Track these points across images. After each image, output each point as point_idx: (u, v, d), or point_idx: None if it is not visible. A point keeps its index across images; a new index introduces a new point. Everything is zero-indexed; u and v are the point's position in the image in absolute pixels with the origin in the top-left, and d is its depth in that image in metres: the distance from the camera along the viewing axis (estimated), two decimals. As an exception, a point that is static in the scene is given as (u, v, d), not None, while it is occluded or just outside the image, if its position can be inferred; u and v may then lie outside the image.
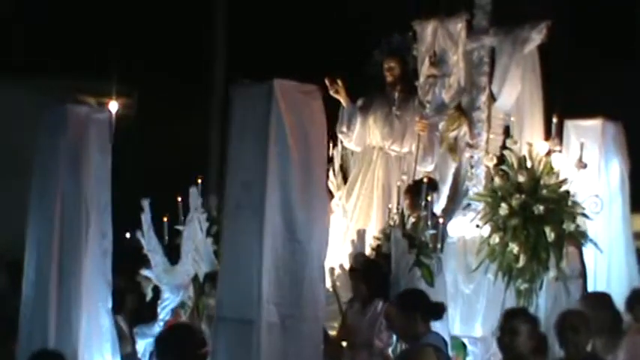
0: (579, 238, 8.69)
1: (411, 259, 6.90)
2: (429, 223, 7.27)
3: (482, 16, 9.78)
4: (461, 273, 9.06)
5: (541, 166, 8.53)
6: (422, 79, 8.78)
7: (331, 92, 8.69)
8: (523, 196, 8.40)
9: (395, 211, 7.57)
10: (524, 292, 8.38)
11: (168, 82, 13.67)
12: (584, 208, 8.47)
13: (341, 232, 8.56)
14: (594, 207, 8.70)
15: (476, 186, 9.11)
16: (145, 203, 7.50)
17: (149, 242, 7.48)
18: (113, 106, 13.37)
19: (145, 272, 7.48)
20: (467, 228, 8.85)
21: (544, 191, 8.42)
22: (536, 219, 8.33)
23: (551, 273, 8.33)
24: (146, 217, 7.50)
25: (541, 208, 8.32)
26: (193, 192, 7.96)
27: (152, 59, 13.80)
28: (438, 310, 6.24)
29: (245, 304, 5.86)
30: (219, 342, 6.03)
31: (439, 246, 7.21)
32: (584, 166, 8.65)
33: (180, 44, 13.75)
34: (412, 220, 7.51)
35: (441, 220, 7.45)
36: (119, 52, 13.46)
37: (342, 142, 8.82)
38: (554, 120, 9.04)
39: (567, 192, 8.47)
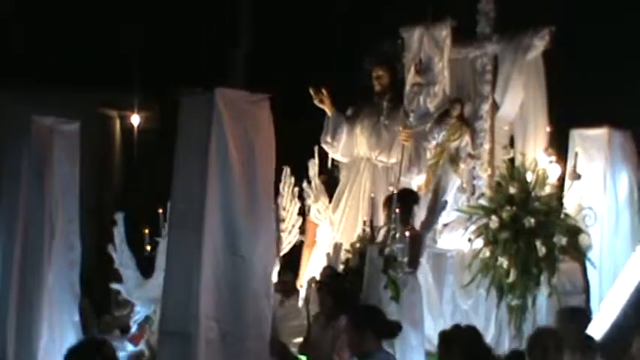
0: (578, 252, 8.34)
1: (385, 279, 6.67)
2: (397, 236, 7.02)
3: (486, 23, 9.51)
4: (459, 288, 8.79)
5: (534, 178, 8.18)
6: (407, 87, 8.53)
7: (316, 102, 8.50)
8: (514, 208, 8.08)
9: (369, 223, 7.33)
10: (515, 308, 8.04)
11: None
12: (576, 221, 8.09)
13: (328, 244, 8.34)
14: (588, 220, 8.32)
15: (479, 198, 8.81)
16: (119, 217, 7.43)
17: (120, 256, 7.40)
18: (135, 118, 13.46)
19: (115, 286, 7.40)
20: (464, 242, 8.56)
21: (536, 204, 8.08)
22: (527, 232, 8.00)
23: (543, 289, 7.97)
24: (119, 231, 7.43)
25: (532, 220, 7.97)
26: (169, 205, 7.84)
27: (174, 72, 13.77)
28: (392, 329, 6.02)
29: (186, 318, 5.73)
30: (162, 356, 5.91)
31: (406, 260, 6.95)
32: (578, 177, 8.28)
33: (203, 57, 13.70)
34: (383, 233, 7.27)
35: (405, 234, 7.14)
36: (141, 64, 13.48)
37: (318, 153, 8.58)
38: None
39: (560, 204, 8.11)
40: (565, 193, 8.17)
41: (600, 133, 9.17)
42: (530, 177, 8.36)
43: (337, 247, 7.35)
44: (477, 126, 9.42)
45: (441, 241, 9.15)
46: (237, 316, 5.79)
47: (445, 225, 9.10)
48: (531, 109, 9.37)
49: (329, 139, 8.53)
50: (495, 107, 9.45)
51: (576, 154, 8.40)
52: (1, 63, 11.96)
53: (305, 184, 8.43)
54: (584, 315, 7.10)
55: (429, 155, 9.38)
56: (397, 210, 6.98)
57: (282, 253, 8.03)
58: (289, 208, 8.21)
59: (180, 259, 5.84)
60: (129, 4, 13.32)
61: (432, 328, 8.33)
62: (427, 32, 8.48)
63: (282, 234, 8.12)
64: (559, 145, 9.30)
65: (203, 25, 13.48)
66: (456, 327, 6.01)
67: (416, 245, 7.33)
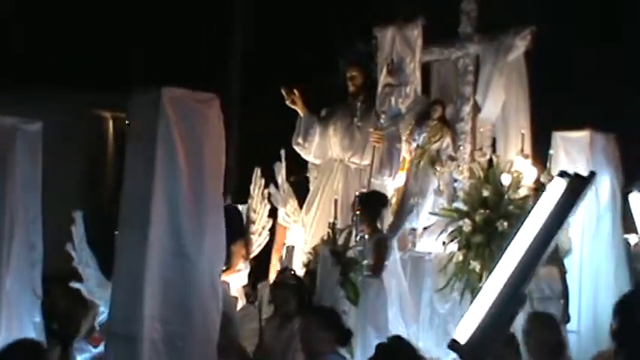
0: (555, 256, 8.19)
1: (337, 278, 6.55)
2: (357, 239, 6.92)
3: (467, 23, 9.40)
4: (436, 292, 8.67)
5: (510, 180, 8.04)
6: (379, 88, 8.41)
7: (287, 102, 8.39)
8: (487, 211, 7.95)
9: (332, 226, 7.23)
10: (488, 312, 7.88)
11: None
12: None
13: (300, 246, 8.25)
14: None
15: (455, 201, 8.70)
16: (78, 215, 7.36)
17: (80, 255, 7.32)
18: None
19: (75, 285, 7.32)
20: (441, 246, 8.45)
21: (510, 207, 7.94)
22: (499, 236, 7.86)
23: (517, 294, 7.81)
24: (78, 230, 7.35)
25: (505, 224, 7.84)
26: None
27: (169, 73, 13.69)
28: (344, 337, 5.90)
29: (132, 320, 5.65)
30: (108, 358, 5.84)
31: (365, 262, 6.83)
32: (552, 179, 8.09)
33: (198, 58, 13.66)
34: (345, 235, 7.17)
35: (365, 236, 7.03)
36: (136, 65, 13.45)
37: (286, 156, 8.46)
38: (523, 131, 8.54)
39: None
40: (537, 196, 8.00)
41: (582, 135, 9.00)
42: (507, 180, 8.25)
43: (289, 250, 7.26)
44: (458, 128, 9.31)
45: (420, 245, 9.05)
46: (184, 318, 5.69)
47: (425, 228, 9.00)
48: (513, 111, 9.25)
49: (300, 141, 8.41)
50: (477, 109, 9.33)
51: (550, 155, 8.25)
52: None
53: (272, 188, 8.30)
54: (554, 322, 6.95)
55: (409, 157, 9.31)
56: (357, 212, 6.85)
57: (252, 256, 7.94)
58: (259, 210, 8.12)
59: (127, 258, 5.77)
60: (126, 4, 13.29)
61: (405, 333, 8.23)
62: (399, 32, 8.36)
63: (252, 236, 8.04)
64: (541, 148, 9.18)
65: (202, 25, 13.43)
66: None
67: (380, 249, 7.22)
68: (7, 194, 6.90)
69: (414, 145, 9.28)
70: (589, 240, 8.81)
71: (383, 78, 8.31)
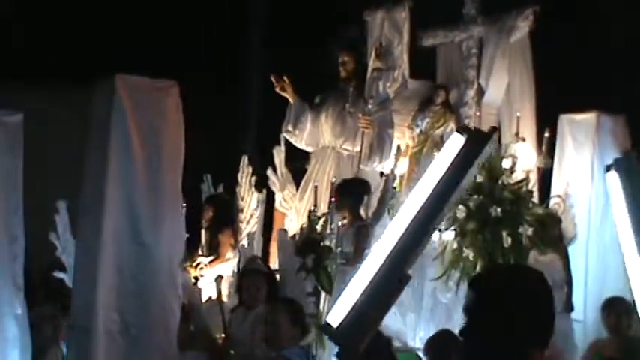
0: (551, 243, 7.92)
1: (297, 264, 6.39)
2: (332, 227, 6.75)
3: (472, 5, 9.14)
4: (439, 282, 8.45)
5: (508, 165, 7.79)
6: (369, 72, 8.21)
7: (277, 89, 8.25)
8: (481, 197, 7.71)
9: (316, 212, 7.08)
10: (483, 301, 7.65)
11: (203, 89, 13.50)
12: (544, 210, 7.67)
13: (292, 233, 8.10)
14: (558, 209, 7.88)
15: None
16: (62, 205, 7.35)
17: (64, 244, 7.31)
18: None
19: (59, 274, 7.31)
20: (449, 234, 8.23)
21: (505, 193, 7.69)
22: (493, 222, 7.62)
23: (510, 281, 7.56)
24: (62, 219, 7.34)
25: (498, 210, 7.60)
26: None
27: (187, 65, 13.62)
28: (306, 332, 5.76)
29: (87, 310, 5.60)
30: (69, 351, 5.81)
31: (339, 250, 6.67)
32: (548, 163, 7.85)
33: (216, 51, 13.53)
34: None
35: (339, 224, 6.86)
36: (153, 58, 13.41)
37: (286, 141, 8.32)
38: (518, 114, 8.26)
39: (530, 192, 7.70)
40: (534, 181, 7.76)
41: (588, 117, 8.71)
42: (508, 164, 8.01)
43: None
44: (462, 112, 9.06)
45: (447, 234, 8.80)
46: (142, 308, 5.63)
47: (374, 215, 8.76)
48: (517, 94, 8.96)
49: (290, 128, 8.25)
50: (481, 93, 9.07)
51: (548, 138, 7.99)
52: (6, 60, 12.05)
53: (270, 172, 8.16)
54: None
55: (412, 143, 9.11)
56: (333, 199, 6.70)
57: (240, 244, 7.83)
58: (247, 198, 8.01)
59: (83, 248, 5.73)
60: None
61: (401, 323, 8.07)
62: (388, 15, 8.15)
63: (240, 225, 7.94)
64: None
65: (215, 15, 13.35)
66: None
67: (360, 237, 7.04)
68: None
69: (417, 131, 9.07)
70: (596, 226, 8.51)
71: (372, 62, 8.11)
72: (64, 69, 12.62)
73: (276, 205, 8.47)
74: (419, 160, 8.97)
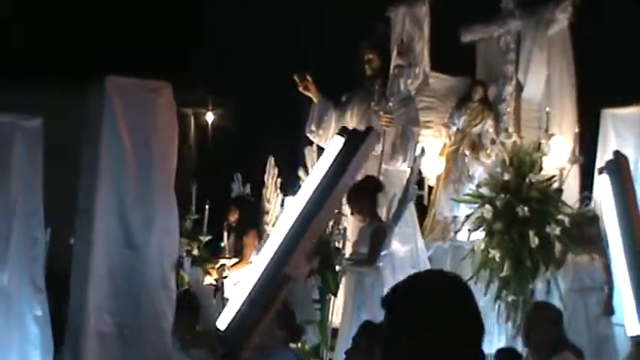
0: (596, 243, 7.57)
1: (308, 268, 6.27)
2: (339, 228, 6.61)
3: (509, -2, 8.86)
4: (471, 285, 8.19)
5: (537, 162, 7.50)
6: (391, 70, 8.01)
7: (300, 89, 8.12)
8: (508, 196, 7.44)
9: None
10: (511, 304, 7.38)
11: (264, 92, 13.51)
12: (572, 209, 7.34)
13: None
14: (585, 206, 7.54)
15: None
16: None
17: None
18: (209, 116, 13.54)
19: None
20: (473, 235, 7.99)
21: (534, 192, 7.39)
22: (520, 222, 7.34)
23: (539, 284, 7.28)
24: None
25: (525, 209, 7.31)
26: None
27: (249, 69, 13.71)
28: (297, 334, 5.64)
29: (80, 312, 5.61)
30: (66, 352, 5.83)
31: (343, 252, 6.52)
32: (578, 160, 7.51)
33: (278, 55, 13.50)
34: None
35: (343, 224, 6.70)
36: (217, 62, 13.51)
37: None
38: (547, 110, 7.93)
39: (559, 190, 7.38)
40: (563, 178, 7.43)
41: (632, 112, 8.33)
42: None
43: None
44: (500, 109, 8.78)
45: (461, 234, 8.59)
46: (134, 310, 5.60)
47: (468, 216, 8.53)
48: (557, 88, 8.63)
49: (314, 128, 8.11)
50: (520, 88, 8.77)
51: (576, 134, 7.63)
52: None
53: (301, 172, 8.02)
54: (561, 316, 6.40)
55: (449, 142, 8.89)
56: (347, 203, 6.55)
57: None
58: (272, 200, 7.93)
59: (77, 251, 5.74)
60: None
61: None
62: (409, 11, 7.94)
63: (265, 227, 7.87)
64: (590, 126, 8.55)
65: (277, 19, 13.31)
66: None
67: (377, 238, 6.87)
68: (3, 189, 7.01)
69: (454, 129, 8.85)
70: (637, 225, 8.12)
71: (393, 59, 7.92)
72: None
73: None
74: (456, 159, 8.76)
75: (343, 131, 3.26)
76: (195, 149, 13.68)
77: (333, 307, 6.59)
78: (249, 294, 3.12)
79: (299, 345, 5.96)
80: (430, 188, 8.96)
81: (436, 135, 9.06)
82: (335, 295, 6.47)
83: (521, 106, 8.79)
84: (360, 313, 6.74)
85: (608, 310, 7.73)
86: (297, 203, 3.38)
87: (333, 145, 3.40)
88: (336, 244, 6.55)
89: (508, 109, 8.74)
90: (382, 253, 6.91)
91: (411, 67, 7.78)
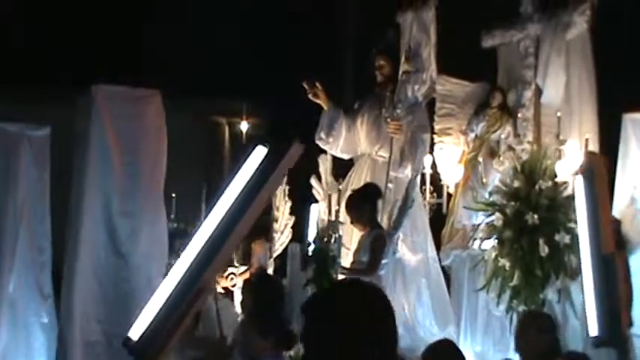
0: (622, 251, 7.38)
1: (304, 277, 6.21)
2: (335, 236, 6.51)
3: (528, 1, 8.67)
4: (490, 294, 8.04)
5: (542, 169, 7.33)
6: (399, 76, 7.88)
7: (310, 96, 8.05)
8: (518, 203, 7.28)
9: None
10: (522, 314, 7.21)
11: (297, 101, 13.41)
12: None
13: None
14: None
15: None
16: None
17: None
18: (243, 125, 13.56)
19: None
20: (484, 244, 7.84)
21: (544, 200, 7.21)
22: (530, 230, 7.17)
23: (549, 293, 7.10)
24: None
25: (535, 217, 7.14)
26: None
27: (283, 79, 13.65)
28: (287, 341, 5.57)
29: (69, 321, 5.64)
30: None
31: (339, 260, 6.42)
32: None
33: (314, 64, 13.46)
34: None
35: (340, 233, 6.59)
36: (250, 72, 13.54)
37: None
38: (558, 114, 7.73)
39: (569, 197, 7.18)
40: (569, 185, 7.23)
41: (651, 116, 8.08)
42: (558, 168, 7.54)
43: (265, 248, 6.96)
44: (519, 115, 8.59)
45: (487, 243, 8.42)
46: (121, 317, 5.60)
47: (479, 225, 8.37)
48: (576, 93, 8.42)
49: (323, 136, 8.00)
50: (539, 93, 8.58)
51: (586, 140, 7.42)
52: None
53: (313, 180, 7.93)
54: (554, 324, 6.24)
55: (467, 149, 8.74)
56: (336, 208, 6.47)
57: (275, 255, 7.71)
58: (282, 208, 7.87)
59: (67, 260, 5.77)
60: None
61: (438, 336, 7.72)
62: (416, 16, 7.81)
63: (274, 235, 7.82)
64: (611, 133, 8.33)
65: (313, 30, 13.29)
66: None
67: (377, 246, 6.77)
68: (10, 197, 7.10)
69: (472, 135, 8.70)
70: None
71: (401, 65, 7.80)
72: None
73: (320, 214, 8.26)
74: (474, 166, 8.61)
75: (265, 141, 3.21)
76: (229, 158, 13.71)
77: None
78: (164, 305, 3.08)
79: (292, 353, 5.89)
80: (449, 196, 8.83)
81: (455, 142, 8.92)
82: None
83: (540, 111, 8.59)
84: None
85: (627, 320, 7.52)
86: (215, 214, 3.33)
87: (255, 155, 3.34)
88: (333, 252, 6.46)
89: (527, 115, 8.55)
90: (383, 261, 6.81)
91: (418, 72, 7.65)
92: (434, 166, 8.82)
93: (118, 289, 5.62)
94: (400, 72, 7.75)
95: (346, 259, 6.96)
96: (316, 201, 8.12)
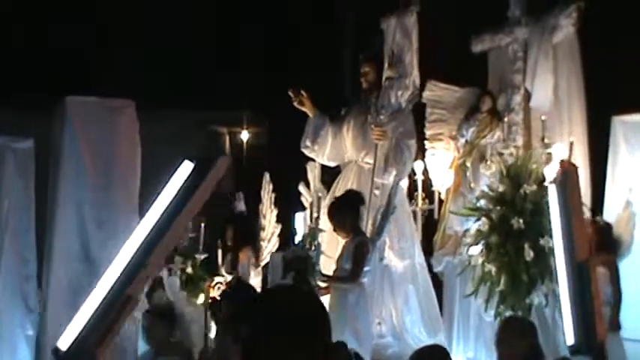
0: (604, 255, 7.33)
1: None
2: (314, 243, 6.48)
3: (516, 5, 8.63)
4: (480, 300, 7.99)
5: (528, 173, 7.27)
6: (383, 82, 7.84)
7: (295, 103, 8.03)
8: (504, 208, 7.22)
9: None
10: (507, 320, 7.14)
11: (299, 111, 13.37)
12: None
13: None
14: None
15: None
16: None
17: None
18: (244, 135, 13.57)
19: None
20: (472, 249, 7.78)
21: (528, 204, 7.16)
22: (515, 234, 7.11)
23: (535, 299, 7.03)
24: None
25: (521, 221, 7.08)
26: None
27: (284, 88, 13.63)
28: None
29: (43, 327, 5.65)
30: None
31: (318, 267, 6.39)
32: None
33: (315, 74, 13.45)
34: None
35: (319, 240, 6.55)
36: (250, 82, 13.54)
37: None
38: (543, 118, 7.68)
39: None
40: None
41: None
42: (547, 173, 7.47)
43: (248, 257, 6.93)
44: (509, 119, 8.54)
45: (474, 249, 8.38)
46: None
47: (466, 230, 8.31)
48: (565, 96, 8.36)
49: (308, 143, 7.97)
50: (528, 98, 8.53)
51: (571, 143, 7.36)
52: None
53: (301, 187, 7.89)
54: (534, 329, 6.19)
55: (457, 154, 8.69)
56: (315, 215, 6.45)
57: (263, 263, 7.70)
58: (268, 216, 7.85)
59: (46, 268, 5.79)
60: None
61: (426, 342, 7.67)
62: (399, 21, 7.77)
63: (262, 243, 7.80)
64: (599, 135, 8.28)
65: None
66: None
67: (359, 253, 6.73)
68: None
69: (462, 141, 8.65)
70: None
71: (385, 71, 7.77)
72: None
73: (307, 221, 8.23)
74: (465, 172, 8.56)
75: (192, 157, 3.24)
76: (230, 168, 13.69)
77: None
78: (92, 316, 3.08)
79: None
80: (441, 202, 8.78)
81: (446, 147, 8.88)
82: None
83: (530, 115, 8.54)
84: (344, 330, 6.62)
85: (613, 325, 7.45)
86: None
87: (182, 170, 3.36)
88: (312, 259, 6.43)
89: (517, 119, 8.50)
90: (366, 268, 6.78)
91: (401, 78, 7.61)
92: (425, 172, 8.79)
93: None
94: (384, 78, 7.71)
95: (328, 267, 6.93)
96: (304, 208, 8.10)
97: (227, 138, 13.70)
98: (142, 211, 6.02)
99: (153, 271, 3.50)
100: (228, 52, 13.86)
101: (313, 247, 6.50)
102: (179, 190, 3.32)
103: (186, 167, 3.40)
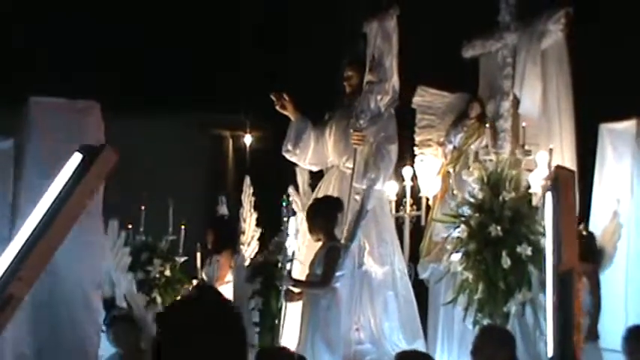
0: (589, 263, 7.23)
1: (251, 290, 6.14)
2: (283, 247, 6.45)
3: (506, 10, 8.55)
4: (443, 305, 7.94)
5: (508, 180, 7.19)
6: (364, 86, 7.76)
7: (277, 107, 7.98)
8: (482, 215, 7.15)
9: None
10: (486, 328, 7.05)
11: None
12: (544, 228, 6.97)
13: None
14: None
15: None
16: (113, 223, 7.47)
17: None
18: (247, 139, 13.54)
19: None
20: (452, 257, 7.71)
21: (507, 212, 7.08)
22: (494, 242, 7.04)
23: (512, 307, 6.95)
24: (112, 237, 7.45)
25: (499, 229, 7.00)
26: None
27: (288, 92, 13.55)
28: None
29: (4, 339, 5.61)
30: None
31: (286, 272, 6.35)
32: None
33: (317, 76, 13.41)
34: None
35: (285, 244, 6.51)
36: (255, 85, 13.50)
37: None
38: (523, 124, 7.60)
39: (533, 209, 7.03)
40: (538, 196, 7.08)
41: (628, 125, 7.92)
42: (531, 180, 7.40)
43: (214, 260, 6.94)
44: (498, 126, 8.45)
45: (455, 256, 8.30)
46: (57, 337, 5.56)
47: (447, 237, 8.23)
48: (554, 102, 8.26)
49: (290, 147, 7.89)
50: (517, 104, 8.43)
51: (550, 150, 7.28)
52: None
53: (291, 191, 7.83)
54: (511, 339, 6.10)
55: (445, 160, 8.62)
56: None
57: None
58: (248, 219, 7.80)
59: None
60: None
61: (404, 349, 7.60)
62: (380, 25, 7.70)
63: (242, 247, 7.76)
64: (589, 142, 8.18)
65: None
66: None
67: (331, 258, 6.68)
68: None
69: (450, 147, 8.59)
70: (637, 245, 7.70)
71: (366, 75, 7.70)
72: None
73: (297, 225, 8.17)
74: (453, 178, 8.48)
75: (82, 148, 3.20)
76: (233, 171, 13.70)
77: (281, 331, 6.43)
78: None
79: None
80: (428, 208, 8.71)
81: (435, 153, 8.81)
82: (276, 316, 6.32)
83: (519, 122, 8.44)
84: (315, 335, 6.58)
85: (592, 335, 7.36)
86: (29, 223, 3.32)
87: (71, 162, 3.33)
88: (280, 264, 6.40)
89: (505, 126, 8.41)
90: (338, 273, 6.73)
91: (381, 83, 7.55)
92: (415, 178, 8.72)
93: (52, 309, 5.58)
94: (364, 82, 7.65)
95: (302, 272, 6.89)
96: (294, 213, 8.04)
97: (230, 141, 13.70)
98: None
99: (40, 266, 3.47)
100: (228, 52, 13.84)
101: (282, 252, 6.46)
102: (65, 184, 3.29)
103: (75, 159, 3.37)
